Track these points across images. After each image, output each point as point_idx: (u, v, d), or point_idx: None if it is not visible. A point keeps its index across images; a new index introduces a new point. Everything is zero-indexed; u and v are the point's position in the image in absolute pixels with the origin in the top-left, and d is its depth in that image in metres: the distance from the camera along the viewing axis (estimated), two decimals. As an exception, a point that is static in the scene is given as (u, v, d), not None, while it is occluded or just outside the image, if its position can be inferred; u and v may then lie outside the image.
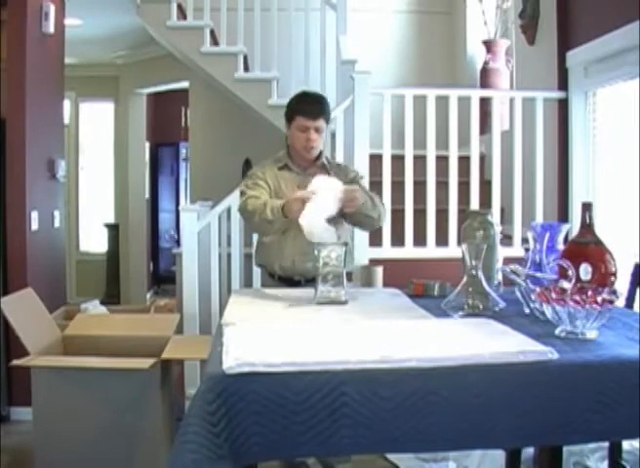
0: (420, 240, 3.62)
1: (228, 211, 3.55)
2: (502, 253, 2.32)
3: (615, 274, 1.89)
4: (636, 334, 1.61)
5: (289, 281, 2.66)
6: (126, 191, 7.00)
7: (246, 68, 4.75)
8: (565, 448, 2.29)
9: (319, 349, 1.47)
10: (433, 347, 1.48)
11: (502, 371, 1.40)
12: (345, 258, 2.15)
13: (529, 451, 2.54)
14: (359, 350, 1.46)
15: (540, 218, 3.58)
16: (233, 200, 3.51)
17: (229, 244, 3.61)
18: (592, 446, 2.66)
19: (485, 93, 4.06)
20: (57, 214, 4.07)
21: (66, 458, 2.61)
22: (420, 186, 3.66)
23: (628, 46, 3.02)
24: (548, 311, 1.62)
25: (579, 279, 1.76)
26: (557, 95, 3.65)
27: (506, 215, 3.93)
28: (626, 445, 2.36)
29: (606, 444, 2.34)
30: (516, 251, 3.40)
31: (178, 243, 6.58)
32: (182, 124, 7.51)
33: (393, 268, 2.72)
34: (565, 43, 3.61)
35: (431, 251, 3.61)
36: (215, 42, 4.75)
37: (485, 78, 4.73)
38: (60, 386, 2.63)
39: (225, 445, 1.31)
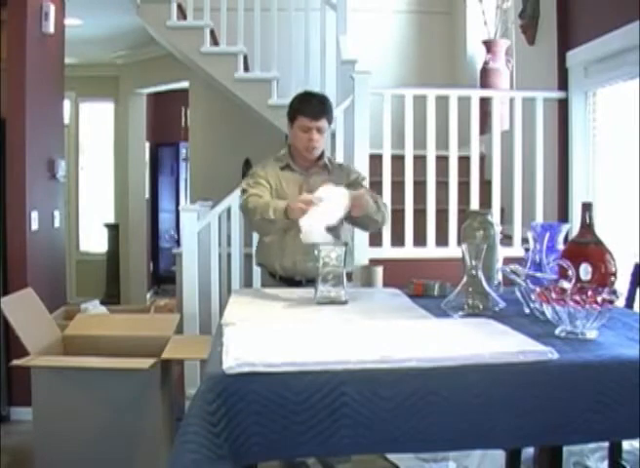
0: (419, 240, 3.62)
1: (228, 211, 3.55)
2: (502, 253, 2.32)
3: (615, 274, 1.89)
4: (636, 334, 1.62)
5: (290, 281, 2.66)
6: (126, 191, 7.00)
7: (246, 68, 4.75)
8: (565, 448, 2.29)
9: (319, 349, 1.47)
10: (433, 347, 1.49)
11: (502, 371, 1.40)
12: (345, 258, 2.15)
13: (529, 451, 2.54)
14: (359, 350, 1.46)
15: (540, 218, 3.58)
16: (233, 200, 3.51)
17: (229, 244, 3.61)
18: (592, 446, 2.66)
19: (485, 93, 4.06)
20: (57, 214, 4.07)
21: (66, 458, 2.61)
22: (419, 186, 3.66)
23: (628, 46, 3.02)
24: (548, 311, 1.62)
25: (579, 279, 1.77)
26: (557, 95, 3.65)
27: (506, 215, 3.93)
28: (626, 445, 2.36)
29: (606, 444, 2.34)
30: (516, 251, 3.40)
31: (178, 243, 6.58)
32: (182, 124, 7.51)
33: (393, 268, 2.72)
34: (565, 43, 3.61)
35: (431, 251, 3.60)
36: (215, 42, 4.75)
37: (485, 78, 4.73)
38: (60, 386, 2.63)
39: (225, 445, 1.31)
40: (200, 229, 3.52)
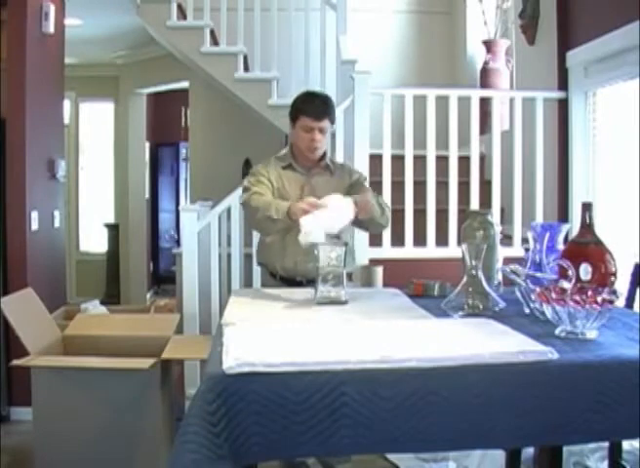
0: (419, 240, 3.62)
1: (228, 211, 3.55)
2: (502, 253, 2.32)
3: (615, 274, 1.89)
4: (636, 334, 1.61)
5: (290, 281, 2.65)
6: (126, 191, 7.00)
7: (246, 68, 4.75)
8: (565, 448, 2.29)
9: (319, 349, 1.47)
10: (433, 347, 1.48)
11: (502, 371, 1.40)
12: (345, 258, 2.15)
13: (529, 451, 2.54)
14: (359, 350, 1.46)
15: (540, 218, 3.58)
16: (233, 200, 3.51)
17: (229, 244, 3.61)
18: (592, 446, 2.66)
19: (485, 93, 4.06)
20: (57, 214, 4.07)
21: (66, 458, 2.61)
22: (419, 186, 3.66)
23: (628, 46, 3.02)
24: (548, 311, 1.62)
25: (579, 279, 1.76)
26: (557, 95, 3.65)
27: (506, 215, 3.93)
28: (626, 445, 2.36)
29: (606, 444, 2.34)
30: (516, 251, 3.40)
31: (178, 243, 6.58)
32: (182, 124, 7.51)
33: (393, 268, 2.72)
34: (565, 43, 3.61)
35: (431, 251, 3.61)
36: (215, 42, 4.75)
37: (485, 78, 4.73)
38: (60, 386, 2.63)
39: (225, 445, 1.31)
40: (200, 229, 3.52)
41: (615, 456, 2.21)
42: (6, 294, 3.13)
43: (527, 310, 1.88)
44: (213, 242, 3.53)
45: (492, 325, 1.71)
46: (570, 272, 1.71)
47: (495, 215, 3.16)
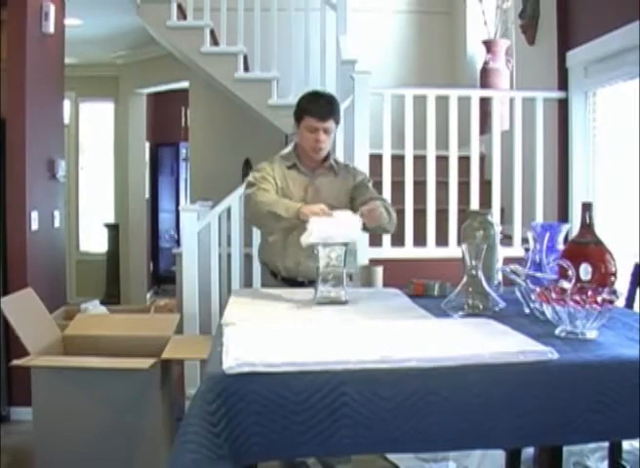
0: (419, 240, 3.62)
1: (228, 211, 3.55)
2: (502, 253, 2.32)
3: (615, 274, 1.89)
4: (636, 334, 1.61)
5: (292, 282, 2.65)
6: (126, 191, 7.01)
7: (246, 68, 4.75)
8: (565, 448, 2.29)
9: (319, 349, 1.47)
10: (433, 347, 1.48)
11: (502, 371, 1.39)
12: (345, 258, 2.15)
13: (529, 451, 2.54)
14: (359, 350, 1.46)
15: (540, 218, 3.58)
16: (233, 200, 3.51)
17: (229, 244, 3.61)
18: (592, 446, 2.66)
19: (485, 93, 4.06)
20: (57, 214, 4.07)
21: (66, 458, 2.61)
22: (419, 186, 3.66)
23: (628, 46, 3.02)
24: (548, 311, 1.62)
25: (579, 279, 1.76)
26: (557, 95, 3.65)
27: (506, 215, 3.93)
28: (626, 445, 2.36)
29: (606, 444, 2.33)
30: (516, 251, 3.40)
31: (178, 243, 6.58)
32: (182, 124, 7.51)
33: (393, 268, 2.71)
34: (565, 43, 3.61)
35: (431, 251, 3.61)
36: (215, 42, 4.75)
37: (485, 78, 4.73)
38: (60, 386, 2.63)
39: (225, 445, 1.31)
40: (200, 229, 3.53)
41: (615, 456, 2.21)
42: (6, 294, 3.13)
43: (527, 310, 1.87)
44: (213, 242, 3.53)
45: (492, 325, 1.71)
46: (570, 272, 1.71)
47: (495, 215, 3.16)
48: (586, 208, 1.98)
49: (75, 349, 2.94)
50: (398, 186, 3.59)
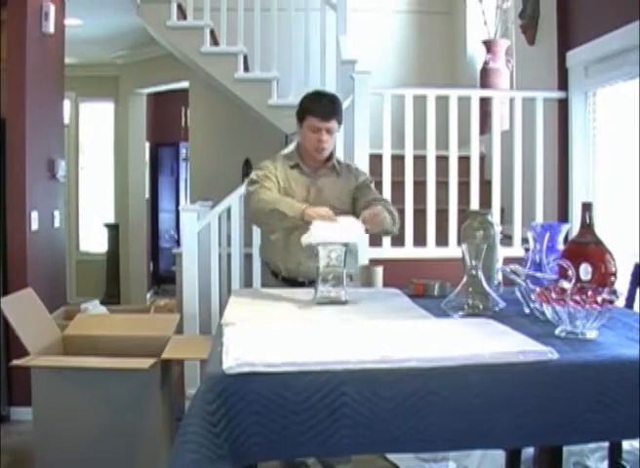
0: (419, 240, 3.62)
1: (228, 211, 3.55)
2: (502, 253, 2.32)
3: (615, 274, 1.89)
4: (636, 334, 1.61)
5: (292, 282, 2.64)
6: (126, 191, 7.01)
7: (246, 68, 4.75)
8: (565, 448, 2.28)
9: (319, 349, 1.47)
10: (433, 347, 1.48)
11: (502, 371, 1.39)
12: (346, 258, 2.15)
13: (529, 451, 2.54)
14: (359, 350, 1.46)
15: (540, 218, 3.58)
16: (233, 200, 3.51)
17: (229, 244, 3.61)
18: (592, 446, 2.66)
19: (485, 93, 4.06)
20: (57, 214, 4.07)
21: (66, 458, 2.61)
22: (419, 186, 3.66)
23: (628, 46, 3.02)
24: (548, 311, 1.62)
25: (579, 279, 1.76)
26: (557, 95, 3.65)
27: (506, 215, 3.93)
28: (626, 445, 2.36)
29: (606, 444, 2.33)
30: (516, 251, 3.40)
31: (178, 243, 6.58)
32: (182, 124, 7.51)
33: (393, 268, 2.71)
34: (565, 43, 3.61)
35: (431, 251, 3.61)
36: (215, 42, 4.75)
37: (485, 78, 4.73)
38: (60, 386, 2.63)
39: (225, 445, 1.31)
40: (200, 229, 3.52)
41: (615, 456, 2.21)
42: (6, 294, 3.13)
43: (527, 310, 1.87)
44: (213, 242, 3.53)
45: (492, 325, 1.71)
46: (570, 272, 1.71)
47: (495, 215, 3.16)
48: (586, 208, 1.98)
49: (75, 349, 2.94)
50: (398, 186, 3.59)
